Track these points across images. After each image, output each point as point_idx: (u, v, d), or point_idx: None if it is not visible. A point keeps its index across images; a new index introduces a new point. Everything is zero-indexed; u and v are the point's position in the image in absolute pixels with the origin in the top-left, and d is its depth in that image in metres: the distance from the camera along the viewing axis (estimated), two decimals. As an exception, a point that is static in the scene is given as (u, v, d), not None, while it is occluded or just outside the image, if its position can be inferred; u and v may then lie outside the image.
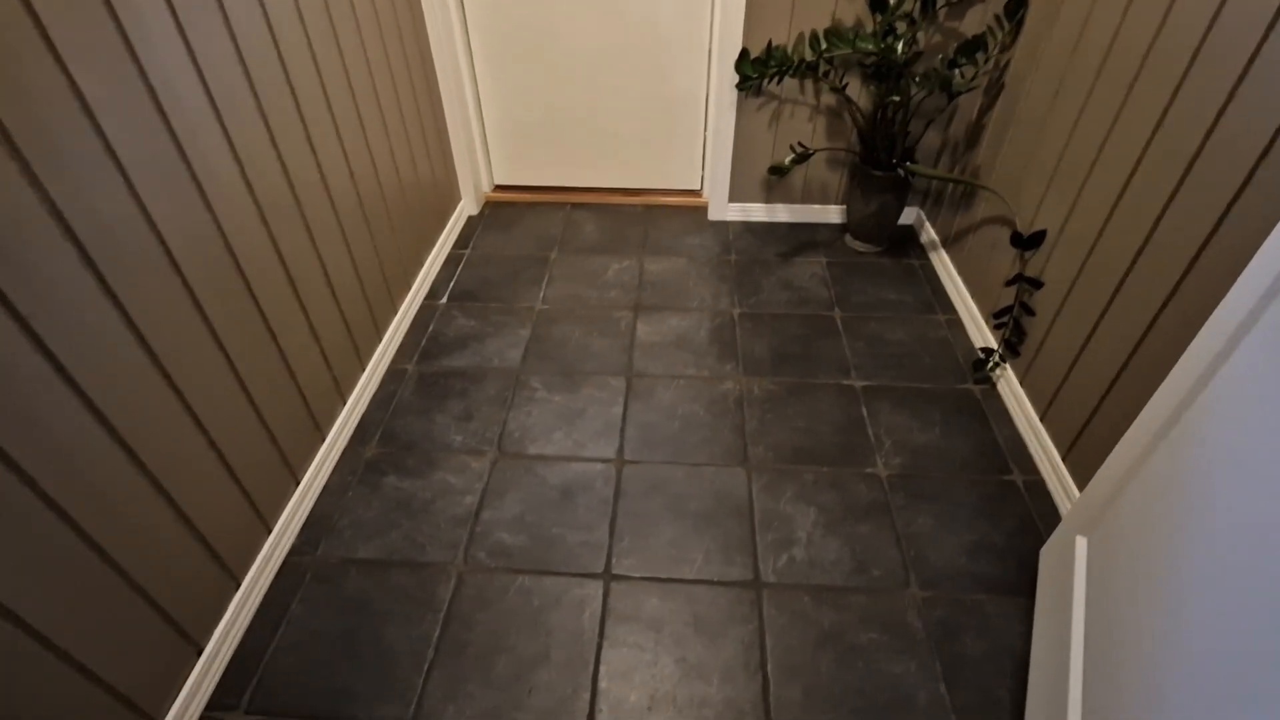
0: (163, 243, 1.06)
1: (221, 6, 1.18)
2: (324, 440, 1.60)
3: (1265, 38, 1.03)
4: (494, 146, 2.64)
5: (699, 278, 2.26)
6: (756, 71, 1.95)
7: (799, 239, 2.45)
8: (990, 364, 1.79)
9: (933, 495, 1.54)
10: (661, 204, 2.66)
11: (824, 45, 1.85)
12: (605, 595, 1.36)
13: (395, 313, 2.00)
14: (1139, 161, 1.29)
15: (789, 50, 1.92)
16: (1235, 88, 1.08)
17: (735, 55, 2.12)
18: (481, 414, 1.76)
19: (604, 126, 2.52)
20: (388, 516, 1.51)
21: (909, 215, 2.49)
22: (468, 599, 1.35)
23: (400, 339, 2.01)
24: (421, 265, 2.21)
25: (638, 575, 1.39)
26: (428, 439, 1.70)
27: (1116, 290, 1.35)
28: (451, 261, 2.36)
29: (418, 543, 1.46)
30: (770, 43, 1.95)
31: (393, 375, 1.89)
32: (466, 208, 2.61)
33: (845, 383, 1.84)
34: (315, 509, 1.53)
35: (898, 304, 2.12)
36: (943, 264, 2.22)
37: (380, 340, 1.90)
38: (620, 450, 1.66)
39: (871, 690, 1.21)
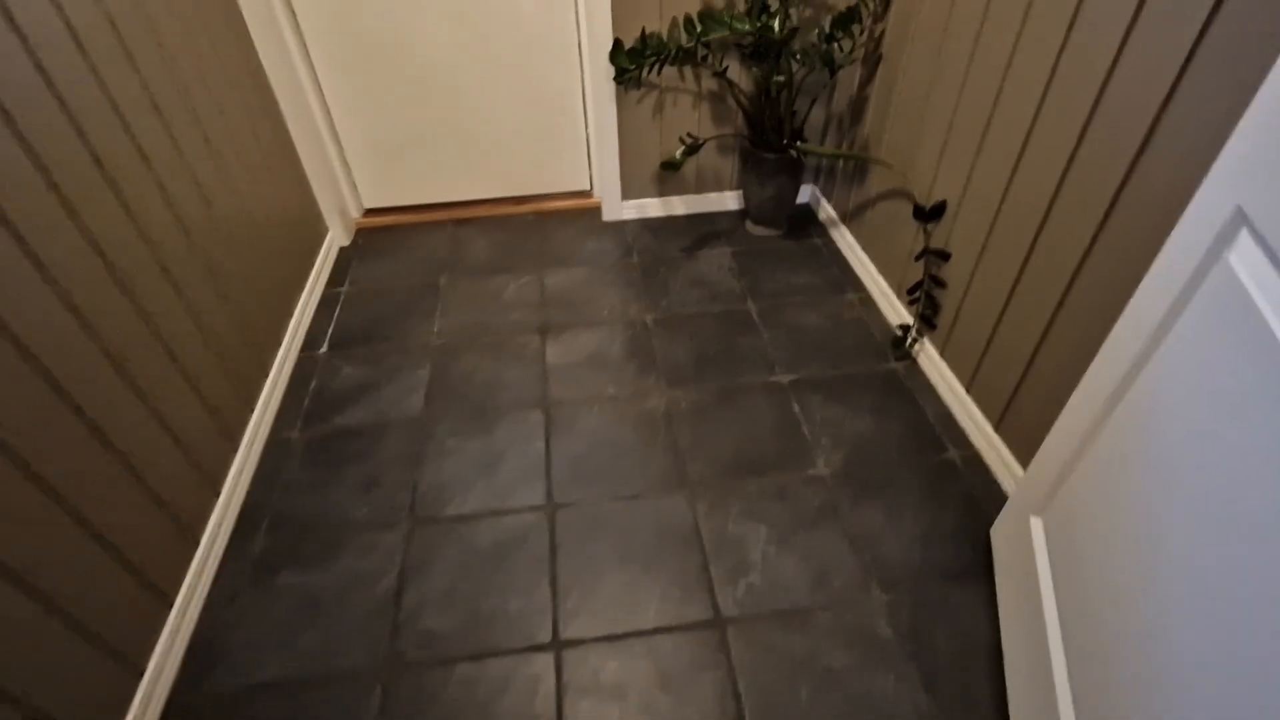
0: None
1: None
2: (198, 547, 1.35)
3: (1147, -6, 1.01)
4: (357, 168, 2.37)
5: (604, 286, 2.13)
6: (633, 62, 1.83)
7: (699, 230, 2.36)
8: (909, 340, 1.77)
9: (877, 488, 1.49)
10: (552, 209, 2.50)
11: (700, 29, 1.75)
12: (558, 667, 1.22)
13: (266, 375, 1.74)
14: (1035, 120, 1.27)
15: (664, 37, 1.81)
16: (1132, 24, 1.05)
17: (607, 47, 1.99)
18: (387, 477, 1.56)
19: (478, 133, 2.33)
20: (290, 622, 1.30)
21: (804, 193, 2.46)
22: (401, 706, 1.17)
23: (277, 403, 1.76)
24: (291, 313, 1.94)
25: (590, 636, 1.26)
26: (326, 518, 1.48)
27: (1029, 253, 1.34)
28: (327, 303, 2.11)
29: (331, 648, 1.26)
30: (644, 31, 1.83)
31: (275, 447, 1.65)
32: (336, 239, 2.34)
33: (771, 379, 1.78)
34: (198, 632, 1.29)
35: (808, 287, 2.08)
36: (845, 240, 2.20)
37: (252, 411, 1.64)
38: (549, 494, 1.52)
39: (855, 713, 1.14)
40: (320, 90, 2.17)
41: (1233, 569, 0.69)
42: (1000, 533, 1.30)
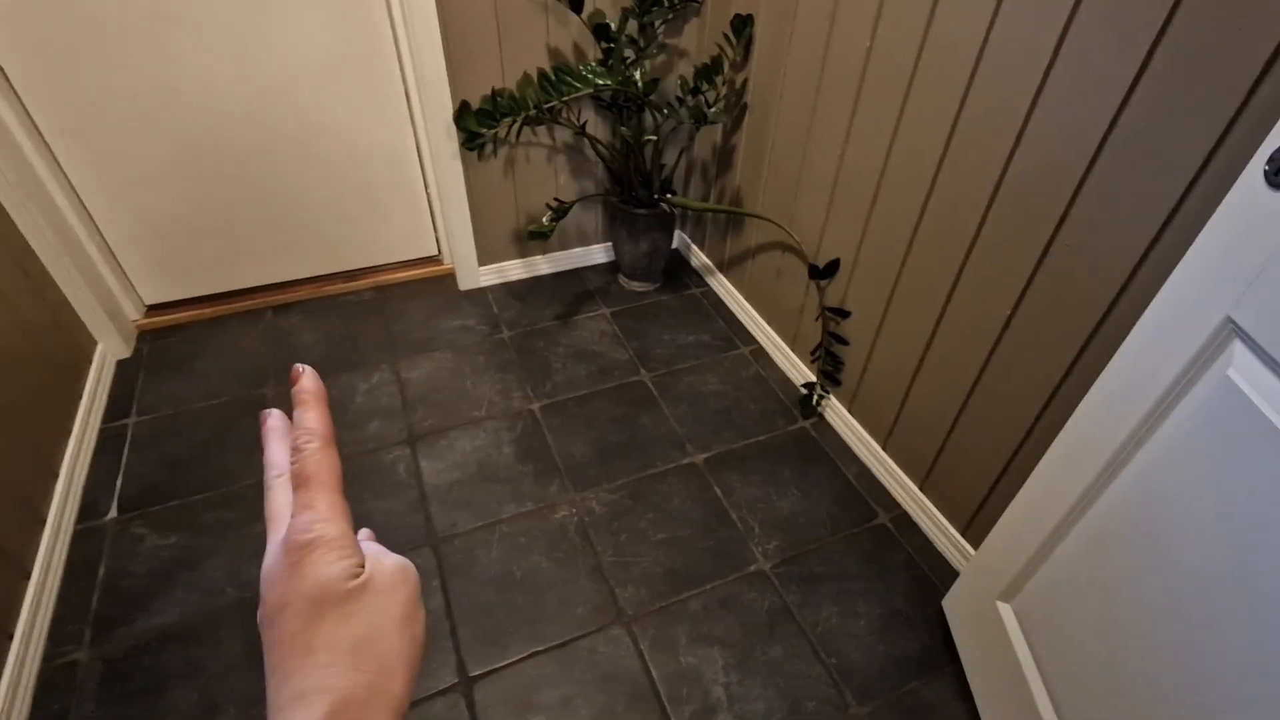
0: None
1: None
2: None
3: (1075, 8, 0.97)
4: (128, 257, 1.87)
5: (476, 372, 1.84)
6: (483, 125, 1.58)
7: (571, 291, 2.16)
8: (815, 399, 1.71)
9: (822, 575, 1.39)
10: (396, 281, 2.16)
11: (559, 86, 1.55)
12: None
13: (29, 574, 1.27)
14: (938, 170, 1.22)
15: (516, 94, 1.58)
16: (1056, 51, 1.01)
17: (440, 104, 1.72)
18: (231, 695, 1.18)
19: (289, 201, 1.93)
20: None
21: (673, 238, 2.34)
22: None
23: (50, 610, 1.28)
24: (56, 471, 1.45)
25: None
26: (152, 778, 1.08)
27: (941, 313, 1.30)
28: (110, 445, 1.61)
29: None
30: (494, 90, 1.59)
31: (53, 684, 1.19)
32: (110, 351, 1.82)
33: (685, 462, 1.62)
34: None
35: (699, 346, 1.96)
36: (725, 289, 2.11)
37: (11, 637, 1.17)
38: (460, 665, 1.23)
39: None
40: (60, 168, 1.66)
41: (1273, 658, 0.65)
42: (957, 613, 1.25)
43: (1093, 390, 0.90)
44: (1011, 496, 1.26)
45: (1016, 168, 1.08)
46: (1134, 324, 0.83)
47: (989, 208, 1.14)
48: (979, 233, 1.17)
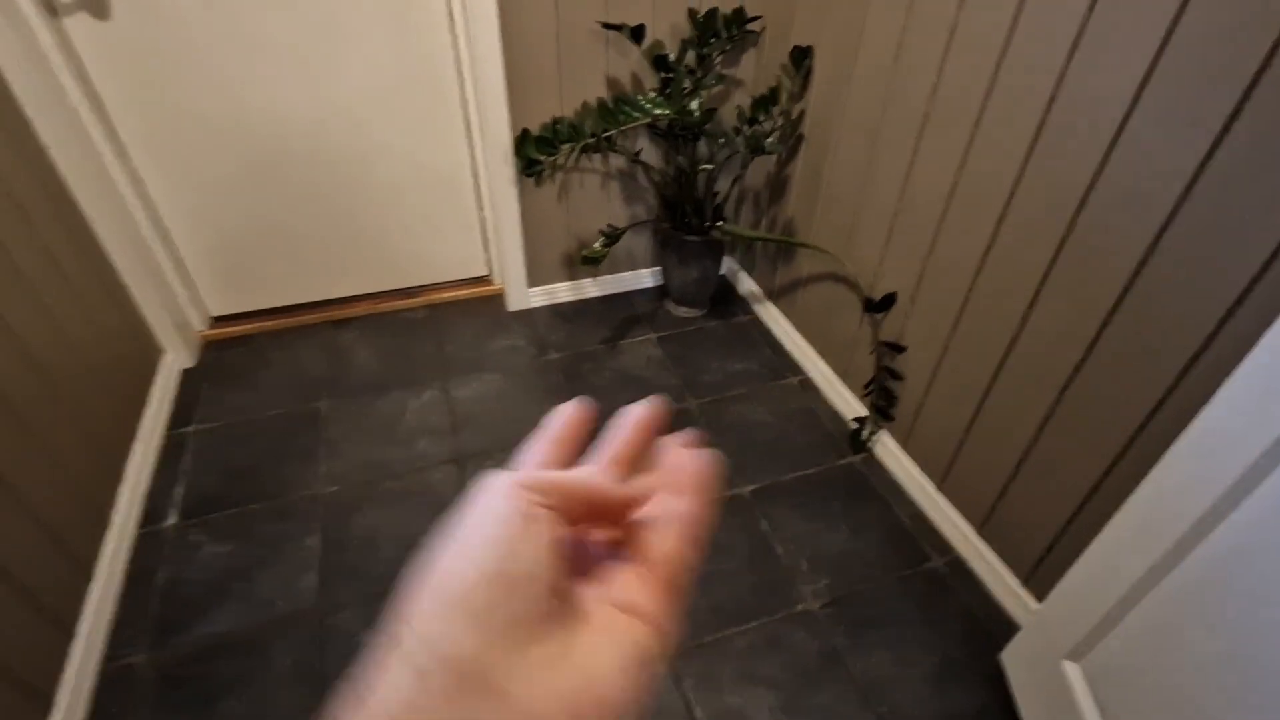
0: None
1: None
2: None
3: (1166, 40, 0.94)
4: (198, 270, 1.95)
5: (523, 394, 1.86)
6: (544, 152, 1.61)
7: (618, 315, 2.16)
8: (867, 434, 1.67)
9: (873, 619, 1.35)
10: (447, 300, 2.20)
11: (619, 115, 1.57)
12: None
13: (90, 576, 1.31)
14: (1006, 207, 1.20)
15: (575, 122, 1.61)
16: (1144, 82, 0.98)
17: (499, 130, 1.75)
18: (276, 711, 1.19)
19: (349, 220, 1.99)
20: None
21: (722, 265, 2.34)
22: None
23: (111, 613, 1.32)
24: (121, 475, 1.50)
25: None
26: (200, 788, 1.09)
27: (1007, 351, 1.26)
28: (172, 452, 1.67)
29: None
30: (554, 118, 1.62)
31: (112, 686, 1.22)
32: (176, 361, 1.89)
33: (733, 492, 1.60)
34: None
35: (746, 374, 1.94)
36: (773, 318, 2.09)
37: (73, 636, 1.21)
38: (502, 691, 1.22)
39: None
40: (140, 180, 1.74)
41: None
42: (1018, 669, 1.19)
43: (1180, 443, 0.86)
44: (1079, 548, 1.20)
45: (1094, 203, 1.04)
46: (1229, 371, 0.78)
47: (1061, 246, 1.11)
48: (1049, 272, 1.14)
